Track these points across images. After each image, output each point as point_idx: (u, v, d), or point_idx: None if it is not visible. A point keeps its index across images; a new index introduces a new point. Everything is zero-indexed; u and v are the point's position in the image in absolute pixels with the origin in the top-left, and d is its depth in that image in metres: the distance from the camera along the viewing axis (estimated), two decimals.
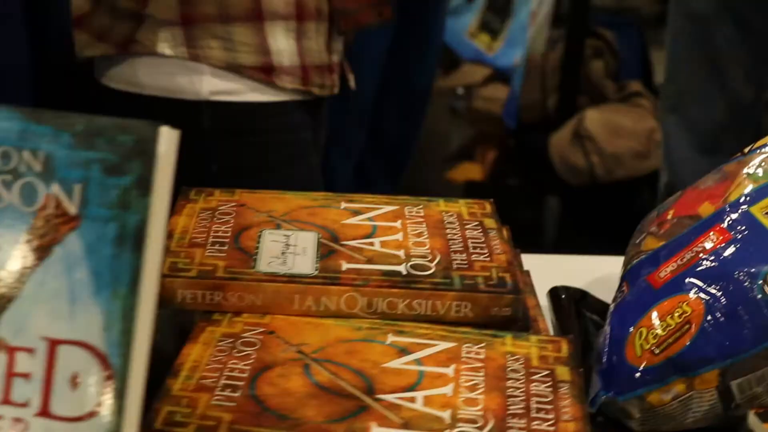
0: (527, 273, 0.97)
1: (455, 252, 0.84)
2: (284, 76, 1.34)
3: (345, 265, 0.81)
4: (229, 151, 1.36)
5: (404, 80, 2.23)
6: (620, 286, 0.86)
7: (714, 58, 1.88)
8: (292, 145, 1.44)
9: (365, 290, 0.79)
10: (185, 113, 1.33)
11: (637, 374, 0.78)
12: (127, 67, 1.36)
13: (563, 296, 0.99)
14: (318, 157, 1.54)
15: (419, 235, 0.86)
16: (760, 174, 0.84)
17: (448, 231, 0.87)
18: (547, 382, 0.72)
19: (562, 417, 0.69)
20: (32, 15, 1.58)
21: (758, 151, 0.86)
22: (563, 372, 0.74)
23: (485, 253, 0.84)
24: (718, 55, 1.88)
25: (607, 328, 0.82)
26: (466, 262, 0.82)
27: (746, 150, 0.87)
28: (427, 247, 0.84)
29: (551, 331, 0.91)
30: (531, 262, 0.96)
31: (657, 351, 0.78)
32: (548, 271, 0.97)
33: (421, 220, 0.89)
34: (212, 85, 1.32)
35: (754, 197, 0.82)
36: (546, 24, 3.52)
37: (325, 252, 0.83)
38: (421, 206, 0.91)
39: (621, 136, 3.04)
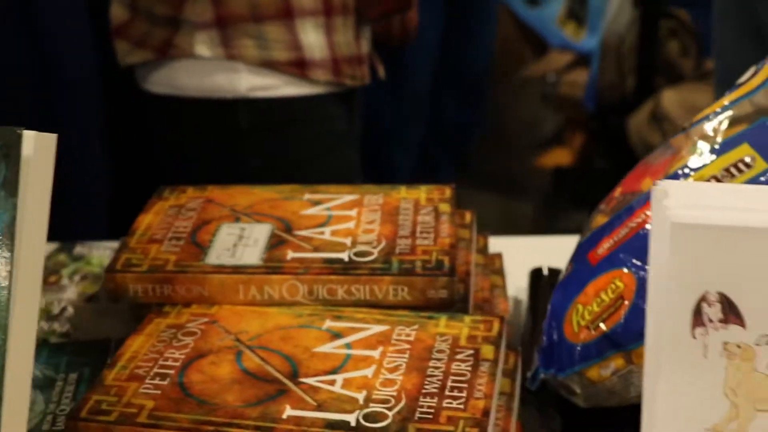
0: (498, 255, 0.98)
1: (402, 237, 0.85)
2: (317, 69, 1.40)
3: (290, 255, 0.84)
4: (269, 145, 1.43)
5: (459, 68, 2.24)
6: (567, 264, 0.86)
7: (759, 32, 1.84)
8: (329, 136, 1.50)
9: (305, 278, 0.81)
10: (224, 111, 1.41)
11: (575, 350, 0.78)
12: (166, 71, 1.43)
13: (543, 277, 1.00)
14: (354, 147, 1.58)
15: (371, 222, 0.88)
16: (700, 145, 0.83)
17: (400, 217, 0.89)
18: (469, 361, 0.74)
19: (475, 395, 0.70)
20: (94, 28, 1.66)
21: (701, 122, 0.85)
22: (488, 351, 0.75)
23: (430, 238, 0.85)
24: (764, 29, 1.84)
25: (548, 307, 0.83)
26: (409, 246, 0.84)
27: (694, 120, 0.86)
28: (374, 234, 0.86)
29: (525, 312, 0.92)
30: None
31: (593, 327, 0.78)
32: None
33: (378, 208, 0.91)
34: (249, 82, 1.39)
35: (692, 169, 0.82)
36: (625, 6, 3.47)
37: (275, 242, 0.86)
38: (381, 194, 0.93)
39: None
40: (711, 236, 0.55)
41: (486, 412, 0.68)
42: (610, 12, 3.44)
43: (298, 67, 1.39)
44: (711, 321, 0.56)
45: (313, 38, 1.38)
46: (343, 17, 1.42)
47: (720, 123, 0.84)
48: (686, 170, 0.82)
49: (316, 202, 0.92)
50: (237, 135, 1.42)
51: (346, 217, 0.89)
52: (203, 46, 1.38)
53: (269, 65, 1.38)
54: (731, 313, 0.56)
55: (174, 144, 1.50)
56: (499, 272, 0.96)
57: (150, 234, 0.88)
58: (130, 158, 1.79)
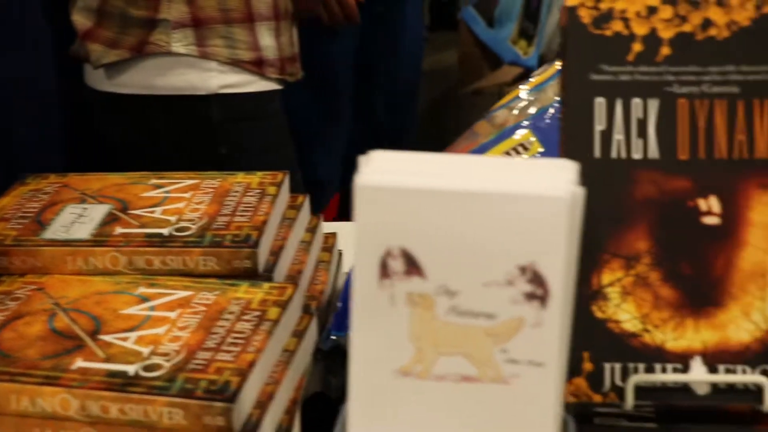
0: (332, 235, 1.06)
1: (222, 215, 0.94)
2: (270, 67, 1.59)
3: (118, 230, 0.92)
4: (235, 135, 1.60)
5: (387, 75, 2.31)
6: None
7: None
8: (284, 128, 1.69)
9: (125, 250, 0.90)
10: (197, 107, 1.57)
11: None
12: (141, 70, 1.57)
13: None
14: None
15: (200, 203, 0.97)
16: (494, 130, 0.91)
17: (228, 198, 0.97)
18: (254, 321, 0.82)
19: (248, 349, 0.78)
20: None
21: (500, 109, 0.93)
22: (274, 312, 0.83)
23: (248, 215, 0.94)
24: None
25: (347, 276, 0.91)
26: (225, 223, 0.92)
27: (494, 107, 0.95)
28: (199, 213, 0.95)
29: None
30: None
31: None
32: None
33: (212, 190, 0.99)
34: (220, 80, 1.56)
35: (485, 147, 0.90)
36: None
37: (109, 220, 0.94)
38: (219, 180, 1.02)
39: None
40: (392, 197, 0.63)
41: (252, 364, 0.77)
42: (549, 28, 3.55)
43: (258, 65, 1.58)
44: (396, 273, 0.64)
45: (267, 41, 1.58)
46: (285, 22, 1.61)
47: (512, 110, 0.93)
48: (477, 152, 0.91)
49: (158, 186, 1.01)
50: (209, 127, 1.59)
51: (179, 199, 0.98)
52: (179, 43, 1.53)
53: (236, 64, 1.56)
54: (412, 266, 0.64)
55: (149, 137, 1.61)
56: (329, 249, 1.04)
57: (1, 214, 0.97)
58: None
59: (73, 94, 1.72)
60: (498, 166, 0.66)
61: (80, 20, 1.57)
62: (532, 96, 0.94)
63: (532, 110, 0.93)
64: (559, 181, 0.63)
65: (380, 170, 0.65)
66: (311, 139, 2.09)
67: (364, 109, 2.28)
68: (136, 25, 1.53)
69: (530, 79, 0.96)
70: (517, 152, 0.89)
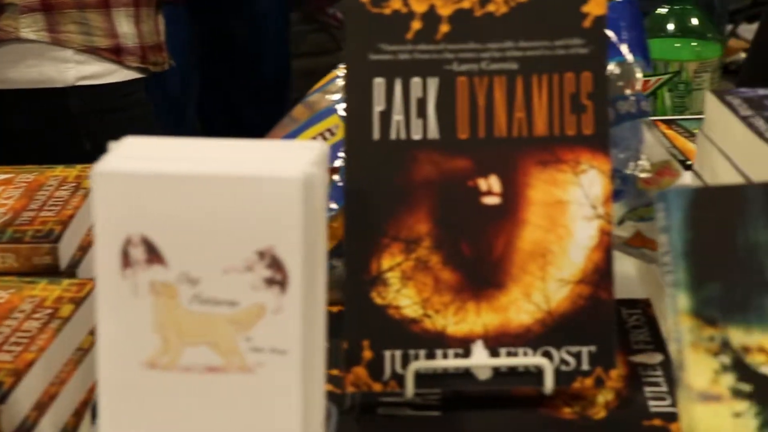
0: None
1: (30, 210, 0.91)
2: (129, 56, 1.54)
3: None
4: (97, 129, 1.54)
5: (252, 71, 2.29)
6: None
7: None
8: (149, 118, 1.64)
9: None
10: (55, 100, 1.52)
11: None
12: None
13: None
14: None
15: (9, 198, 0.94)
16: (307, 114, 0.89)
17: (39, 193, 0.95)
18: (44, 319, 0.79)
19: (30, 348, 0.76)
20: None
21: (314, 93, 0.91)
22: (66, 309, 0.81)
23: (56, 210, 0.91)
24: None
25: None
26: (31, 218, 0.90)
27: (311, 92, 0.93)
28: (5, 209, 0.92)
29: None
30: None
31: None
32: None
33: (24, 185, 0.97)
34: (78, 71, 1.51)
35: (297, 132, 0.88)
36: None
37: None
38: (35, 173, 0.99)
39: None
40: (129, 183, 0.61)
41: (30, 363, 0.74)
42: None
43: (116, 53, 1.53)
44: (137, 262, 0.62)
45: (126, 28, 1.52)
46: (146, 8, 1.56)
47: (324, 94, 0.91)
48: (290, 137, 0.89)
49: None
50: (68, 120, 1.54)
51: None
52: (28, 29, 1.47)
53: (93, 52, 1.50)
54: (153, 254, 0.61)
55: (8, 135, 1.57)
56: None
57: None
58: None
59: None
60: (245, 150, 0.64)
61: None
62: (342, 81, 0.92)
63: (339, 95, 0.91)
64: (299, 162, 0.61)
65: (122, 156, 0.63)
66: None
67: (231, 104, 2.25)
68: None
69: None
70: (324, 138, 0.87)
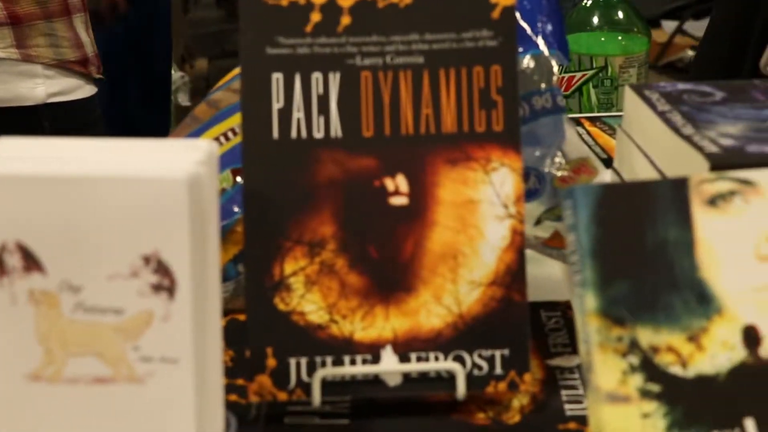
0: None
1: None
2: (92, 66, 1.52)
3: None
4: None
5: (141, 68, 2.25)
6: None
7: None
8: (103, 129, 1.62)
9: None
10: (26, 119, 1.48)
11: None
12: None
13: None
14: None
15: None
16: (216, 105, 0.86)
17: None
18: None
19: None
20: None
21: (215, 92, 0.88)
22: None
23: None
24: None
25: None
26: None
27: (213, 90, 0.89)
28: None
29: None
30: None
31: None
32: None
33: None
34: (48, 87, 1.47)
35: (200, 131, 0.85)
36: None
37: None
38: None
39: None
40: (2, 186, 0.57)
41: None
42: None
43: (83, 65, 1.51)
44: (14, 270, 0.58)
45: (84, 35, 1.50)
46: (87, 13, 1.53)
47: (228, 91, 0.88)
48: (192, 136, 0.85)
49: None
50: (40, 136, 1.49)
51: None
52: None
53: (62, 66, 1.47)
54: (31, 261, 0.58)
55: None
56: None
57: None
58: None
59: None
60: (130, 150, 0.60)
61: None
62: None
63: None
64: (185, 162, 0.58)
65: (2, 158, 0.59)
66: None
67: (119, 102, 2.21)
68: None
69: None
70: (227, 138, 0.84)
